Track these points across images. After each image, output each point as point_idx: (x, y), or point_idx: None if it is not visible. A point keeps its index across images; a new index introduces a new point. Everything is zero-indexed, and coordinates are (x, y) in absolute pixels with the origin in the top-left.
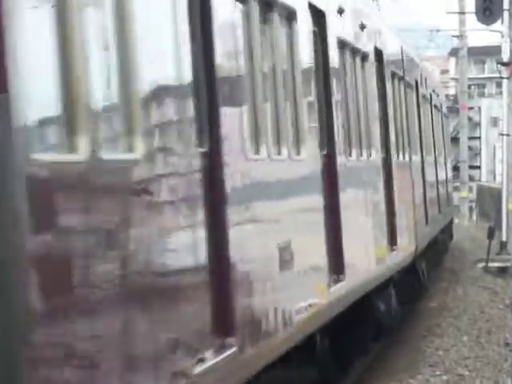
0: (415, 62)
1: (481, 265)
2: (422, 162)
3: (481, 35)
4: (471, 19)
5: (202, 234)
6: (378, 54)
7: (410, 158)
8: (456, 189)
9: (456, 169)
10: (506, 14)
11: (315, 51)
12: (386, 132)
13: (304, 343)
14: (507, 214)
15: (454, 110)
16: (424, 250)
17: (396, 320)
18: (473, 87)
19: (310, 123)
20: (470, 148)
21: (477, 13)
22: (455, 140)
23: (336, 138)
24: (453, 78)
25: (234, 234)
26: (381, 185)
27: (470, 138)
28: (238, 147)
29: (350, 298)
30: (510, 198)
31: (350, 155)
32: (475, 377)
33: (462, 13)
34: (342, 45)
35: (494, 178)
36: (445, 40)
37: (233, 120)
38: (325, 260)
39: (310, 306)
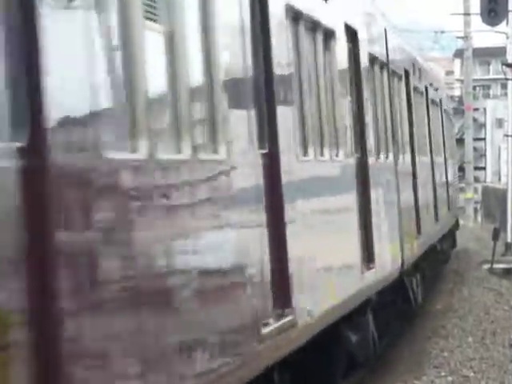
0: (404, 49)
1: (486, 266)
2: (413, 164)
3: (486, 36)
4: (476, 20)
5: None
6: (351, 33)
7: (396, 159)
8: (461, 190)
9: (461, 170)
10: (510, 15)
11: (252, 17)
12: (362, 128)
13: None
14: None
15: (459, 111)
16: (416, 263)
17: (375, 350)
18: (478, 88)
19: (240, 113)
20: (475, 149)
21: (482, 14)
22: (460, 141)
23: (281, 133)
24: (458, 80)
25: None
26: (353, 190)
27: (475, 139)
28: (84, 140)
29: (303, 338)
30: None
31: (306, 154)
32: (480, 378)
33: (466, 14)
34: (293, 14)
35: (499, 179)
36: (449, 41)
37: (74, 99)
38: (262, 293)
39: (236, 356)
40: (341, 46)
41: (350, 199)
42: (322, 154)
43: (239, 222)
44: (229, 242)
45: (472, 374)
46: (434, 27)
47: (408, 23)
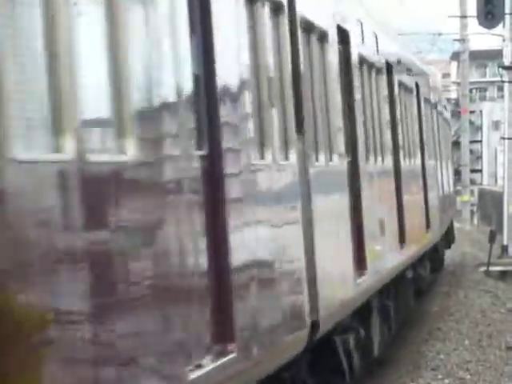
0: (355, 6)
1: (482, 269)
2: (354, 168)
3: (482, 39)
4: (473, 23)
5: None
6: None
7: (305, 161)
8: (457, 193)
9: (457, 173)
10: (507, 18)
11: None
12: (213, 114)
13: None
14: (508, 217)
15: (455, 113)
16: (356, 313)
17: None
18: (474, 91)
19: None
20: (471, 151)
21: (478, 17)
22: (456, 144)
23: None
24: (454, 82)
25: None
26: (189, 210)
27: (472, 142)
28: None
29: None
30: (511, 202)
31: (124, 152)
32: (477, 380)
33: (463, 16)
34: None
35: (496, 181)
36: (447, 44)
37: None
38: None
39: None
40: None
41: (180, 229)
42: (121, 153)
43: None
44: None
45: (468, 377)
46: (432, 30)
47: (409, 27)
